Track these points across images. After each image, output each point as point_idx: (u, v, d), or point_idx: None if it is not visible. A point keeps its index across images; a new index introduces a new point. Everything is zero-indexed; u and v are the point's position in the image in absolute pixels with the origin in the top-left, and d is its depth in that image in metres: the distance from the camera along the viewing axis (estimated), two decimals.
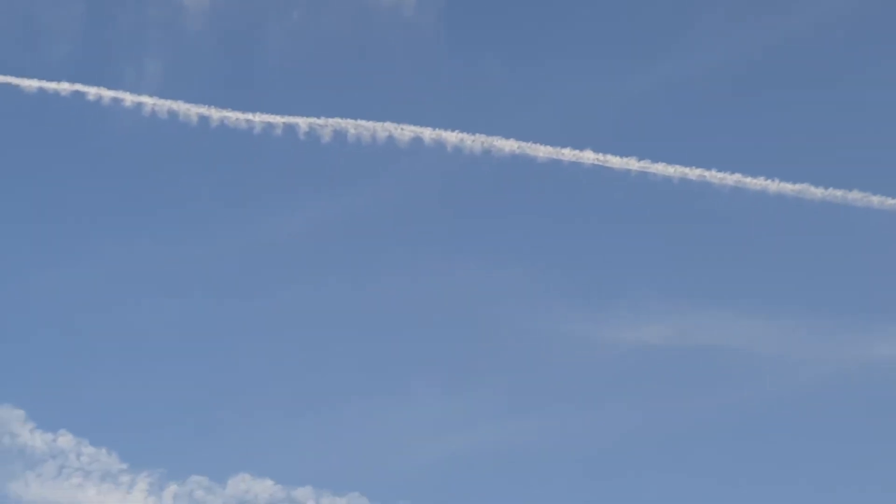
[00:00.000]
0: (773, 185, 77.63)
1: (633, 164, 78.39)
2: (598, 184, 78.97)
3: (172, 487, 72.00)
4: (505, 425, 75.37)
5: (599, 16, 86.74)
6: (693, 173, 78.23)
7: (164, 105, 79.25)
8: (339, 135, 79.02)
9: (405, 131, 79.08)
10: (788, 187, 77.63)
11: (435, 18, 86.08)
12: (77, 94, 79.39)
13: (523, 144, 78.99)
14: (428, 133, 79.01)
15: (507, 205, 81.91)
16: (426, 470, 74.15)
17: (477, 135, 78.87)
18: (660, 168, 78.47)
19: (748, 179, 77.56)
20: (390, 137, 79.13)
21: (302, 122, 79.03)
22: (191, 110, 79.15)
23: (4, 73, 79.30)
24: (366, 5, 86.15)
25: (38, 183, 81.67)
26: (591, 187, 79.54)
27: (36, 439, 72.41)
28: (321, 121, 79.06)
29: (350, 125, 79.19)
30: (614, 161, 78.51)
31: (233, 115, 79.18)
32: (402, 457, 74.72)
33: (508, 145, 79.02)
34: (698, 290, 78.80)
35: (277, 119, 79.17)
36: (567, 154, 78.84)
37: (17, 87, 79.50)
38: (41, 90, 79.40)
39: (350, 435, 75.24)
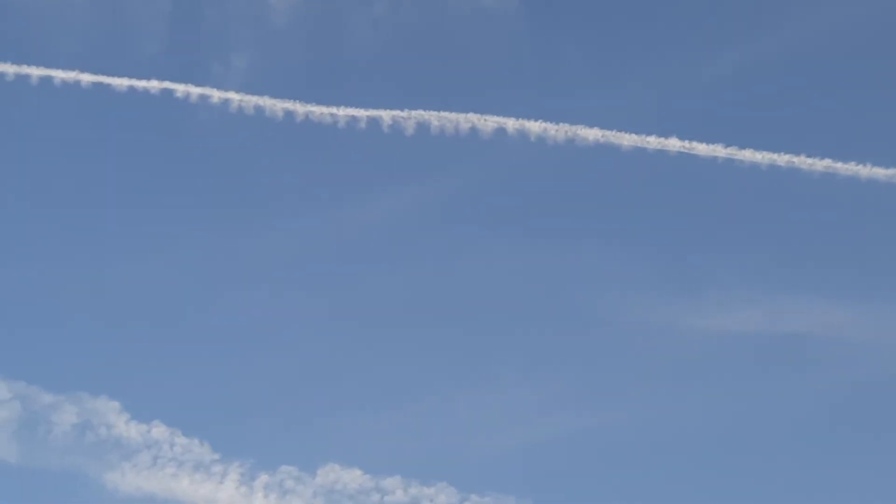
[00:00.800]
0: (865, 171, 75.22)
1: (719, 150, 76.40)
2: (683, 171, 77.30)
3: (263, 477, 71.73)
4: (591, 413, 74.34)
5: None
6: (781, 159, 76.04)
7: (251, 101, 78.94)
8: (423, 127, 78.29)
9: (488, 122, 77.89)
10: (881, 172, 75.15)
11: (515, 7, 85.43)
12: (166, 91, 79.20)
13: (607, 133, 77.50)
14: (511, 123, 77.82)
15: (592, 194, 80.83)
16: (513, 458, 73.52)
17: (560, 124, 77.74)
18: (747, 155, 76.39)
19: (838, 165, 75.16)
20: (473, 128, 78.10)
21: (385, 115, 78.35)
22: (276, 105, 78.78)
23: (95, 73, 79.03)
24: None
25: (129, 179, 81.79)
26: (677, 175, 77.90)
27: (131, 430, 72.47)
28: (404, 113, 78.28)
29: (433, 117, 78.22)
30: (700, 148, 76.59)
31: (318, 110, 78.71)
32: (489, 445, 74.08)
33: (592, 134, 77.55)
34: (787, 277, 76.96)
35: (361, 112, 78.58)
36: (652, 142, 77.10)
37: (108, 85, 79.38)
38: (131, 88, 79.32)
39: (437, 424, 74.67)
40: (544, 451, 73.19)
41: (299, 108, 78.43)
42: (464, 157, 79.27)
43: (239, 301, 77.64)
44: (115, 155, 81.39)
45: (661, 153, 77.01)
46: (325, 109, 78.37)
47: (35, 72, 78.84)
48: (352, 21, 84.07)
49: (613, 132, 77.25)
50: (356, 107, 78.36)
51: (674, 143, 76.86)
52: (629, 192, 79.72)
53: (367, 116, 78.21)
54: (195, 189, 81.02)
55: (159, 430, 72.43)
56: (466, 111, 77.77)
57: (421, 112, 78.04)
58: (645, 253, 78.68)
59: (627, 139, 77.20)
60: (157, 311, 77.17)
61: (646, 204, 79.74)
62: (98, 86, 79.12)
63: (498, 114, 77.56)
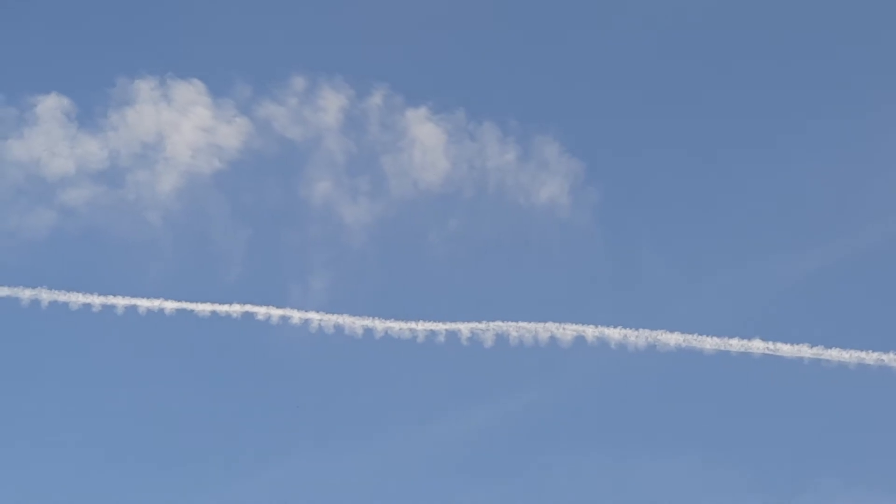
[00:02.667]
0: None
1: (805, 351, 71.85)
2: (769, 373, 72.75)
3: None
4: None
5: (756, 196, 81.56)
6: (870, 357, 71.04)
7: (330, 320, 76.89)
8: (502, 338, 75.83)
9: (567, 331, 74.52)
10: None
11: (590, 216, 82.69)
12: (247, 314, 77.14)
13: (689, 337, 73.65)
14: (590, 331, 74.42)
15: (676, 398, 76.71)
16: None
17: (640, 330, 74.44)
18: (834, 354, 71.62)
19: None
20: (552, 338, 74.88)
21: (464, 328, 75.97)
22: (356, 323, 76.69)
23: (179, 300, 76.68)
24: (521, 208, 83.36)
25: (215, 403, 78.50)
26: (763, 377, 73.38)
27: None
28: (483, 325, 75.57)
29: (512, 328, 75.11)
30: (785, 349, 72.22)
31: (396, 325, 76.63)
32: None
33: (673, 339, 73.91)
34: (883, 480, 70.88)
35: (440, 326, 76.23)
36: (735, 344, 72.97)
37: (191, 311, 76.91)
38: (214, 313, 76.79)
39: None
40: None
41: (378, 324, 76.45)
42: (544, 366, 76.31)
43: None
44: (200, 379, 78.85)
45: (745, 356, 73.12)
46: (403, 325, 76.35)
47: (121, 301, 76.94)
48: (427, 236, 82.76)
49: (695, 336, 73.87)
50: (434, 321, 76.21)
51: (757, 345, 72.78)
52: (714, 397, 75.64)
53: (446, 330, 75.99)
54: (279, 410, 77.88)
55: None
56: (545, 320, 75.21)
57: (499, 323, 75.61)
58: (735, 459, 73.90)
59: (709, 343, 73.63)
60: None
61: (732, 409, 75.71)
62: (182, 312, 77.30)
63: (577, 322, 75.01)
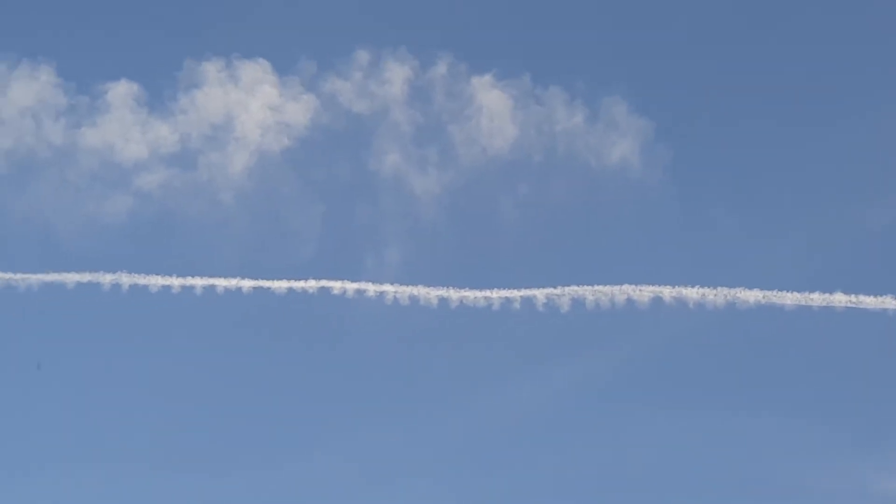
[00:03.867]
0: None
1: (889, 302, 68.70)
2: (852, 326, 69.73)
3: None
4: None
5: (832, 148, 78.46)
6: None
7: (405, 291, 75.09)
8: (578, 302, 73.69)
9: (644, 292, 72.08)
10: None
11: (661, 175, 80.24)
12: (323, 289, 75.61)
13: (768, 293, 70.74)
14: (667, 292, 71.96)
15: (757, 356, 74.11)
16: None
17: (718, 288, 71.75)
18: None
19: None
20: (629, 300, 72.56)
21: (539, 294, 73.83)
22: (430, 294, 74.83)
23: (256, 277, 75.34)
24: (591, 171, 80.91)
25: (295, 377, 77.12)
26: (846, 331, 70.40)
27: None
28: (558, 290, 73.44)
29: (587, 291, 72.84)
30: (868, 301, 68.90)
31: (471, 294, 74.78)
32: None
33: (752, 296, 71.07)
34: None
35: (515, 293, 74.17)
36: (816, 299, 69.94)
37: (268, 289, 75.38)
38: (290, 290, 75.27)
39: None
40: None
41: (453, 294, 74.50)
42: (622, 329, 73.96)
43: (412, 489, 72.21)
44: (281, 354, 77.38)
45: (827, 310, 70.12)
46: (478, 293, 74.37)
47: (199, 282, 75.68)
48: (498, 203, 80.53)
49: (775, 292, 70.85)
50: (509, 288, 74.11)
51: (839, 299, 69.65)
52: (797, 353, 72.88)
53: (521, 297, 73.86)
54: (359, 382, 76.31)
55: None
56: (621, 283, 72.70)
57: (575, 288, 73.31)
58: (822, 415, 71.38)
59: (790, 298, 70.66)
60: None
61: (815, 364, 73.17)
62: (259, 290, 75.79)
63: (653, 283, 72.38)
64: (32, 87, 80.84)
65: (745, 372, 73.14)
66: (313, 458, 72.94)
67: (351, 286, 75.38)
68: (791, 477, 69.57)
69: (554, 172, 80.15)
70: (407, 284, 74.71)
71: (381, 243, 78.80)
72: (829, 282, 70.16)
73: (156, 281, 75.60)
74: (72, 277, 75.39)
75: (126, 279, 75.55)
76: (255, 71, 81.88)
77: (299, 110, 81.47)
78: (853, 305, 69.29)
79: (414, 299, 74.52)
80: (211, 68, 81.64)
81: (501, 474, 71.86)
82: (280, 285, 75.86)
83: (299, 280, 75.72)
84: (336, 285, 75.52)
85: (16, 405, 74.65)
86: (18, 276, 75.22)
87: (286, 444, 73.92)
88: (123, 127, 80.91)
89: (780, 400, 72.04)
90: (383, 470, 72.33)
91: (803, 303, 70.34)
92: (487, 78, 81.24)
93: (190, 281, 75.86)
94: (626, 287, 72.27)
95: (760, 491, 69.42)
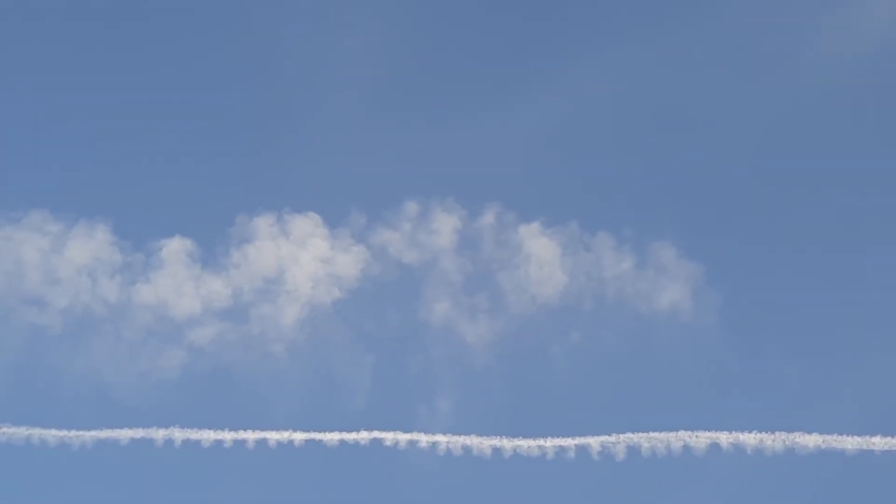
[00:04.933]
0: None
1: None
2: None
3: None
4: None
5: (884, 289, 76.11)
6: None
7: (458, 441, 73.50)
8: (633, 450, 71.54)
9: (700, 438, 69.81)
10: None
11: (714, 319, 78.41)
12: (375, 440, 74.12)
13: (828, 437, 68.11)
14: (724, 437, 69.65)
15: (818, 502, 70.18)
16: None
17: (777, 433, 69.07)
18: None
19: None
20: (686, 446, 70.25)
21: (594, 442, 71.87)
22: (483, 443, 73.10)
23: (307, 430, 73.90)
24: (642, 317, 79.16)
25: None
26: None
27: None
28: (613, 438, 71.37)
29: (643, 439, 70.66)
30: None
31: (524, 443, 72.94)
32: None
33: (812, 440, 68.52)
34: None
35: (569, 441, 72.25)
36: (878, 442, 67.26)
37: (320, 441, 73.90)
38: (342, 441, 73.72)
39: None
40: None
41: (506, 443, 72.69)
42: (679, 477, 71.52)
43: None
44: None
45: (889, 454, 67.35)
46: (531, 442, 72.50)
47: (251, 436, 74.25)
48: (550, 350, 78.88)
49: (835, 436, 68.28)
50: (563, 436, 72.16)
51: None
52: (858, 499, 69.72)
53: (576, 445, 71.88)
54: None
55: None
56: (677, 430, 70.47)
57: (630, 435, 71.15)
58: None
59: (851, 442, 68.01)
60: None
61: None
62: (311, 442, 74.23)
63: (710, 429, 69.85)
64: (89, 245, 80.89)
65: None
66: None
67: (403, 437, 73.67)
68: None
69: (604, 319, 78.63)
70: (459, 434, 73.08)
71: (432, 392, 77.30)
72: (890, 425, 67.87)
73: (208, 435, 74.38)
74: (125, 434, 74.36)
75: (178, 434, 74.40)
76: (306, 224, 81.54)
77: (350, 262, 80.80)
78: None
79: (467, 449, 72.76)
80: (262, 223, 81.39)
81: None
82: (332, 437, 74.32)
83: (351, 432, 74.28)
84: (388, 436, 73.85)
85: None
86: (73, 433, 74.30)
87: None
88: (177, 282, 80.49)
89: None
90: None
91: (864, 447, 67.76)
92: (535, 226, 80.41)
93: (242, 434, 74.63)
94: (682, 434, 70.12)
95: None
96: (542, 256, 79.97)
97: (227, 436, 74.50)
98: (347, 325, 79.55)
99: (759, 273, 79.34)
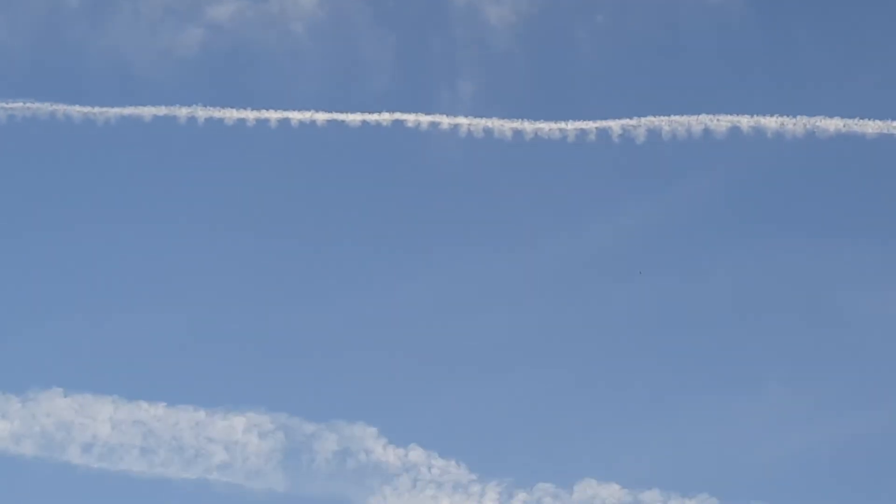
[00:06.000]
0: None
1: None
2: None
3: (521, 495, 65.67)
4: (860, 418, 64.37)
5: None
6: None
7: (479, 123, 72.93)
8: (654, 133, 71.05)
9: (721, 122, 69.24)
10: None
11: (741, 2, 75.82)
12: (397, 122, 73.69)
13: (849, 122, 67.48)
14: (745, 121, 69.20)
15: (837, 185, 71.24)
16: (777, 466, 64.67)
17: (798, 117, 68.76)
18: None
19: None
20: (706, 130, 69.83)
21: (615, 125, 71.33)
22: (504, 126, 72.59)
23: (329, 110, 73.51)
24: None
25: (367, 211, 75.25)
26: None
27: (389, 455, 67.11)
28: (634, 121, 70.97)
29: (664, 122, 70.36)
30: None
31: (546, 126, 72.21)
32: (751, 454, 65.42)
33: (833, 124, 67.98)
34: None
35: (590, 125, 71.76)
36: None
37: (342, 122, 73.60)
38: (364, 122, 73.43)
39: (695, 434, 66.37)
40: (810, 459, 63.92)
41: (527, 126, 72.07)
42: (699, 160, 71.25)
43: (486, 323, 70.78)
44: (352, 188, 75.58)
45: None
46: (553, 125, 71.86)
47: (273, 115, 73.92)
48: (574, 33, 77.46)
49: (856, 120, 67.65)
50: (584, 119, 71.51)
51: None
52: (877, 183, 69.64)
53: (596, 128, 71.35)
54: (432, 215, 74.62)
55: (416, 454, 66.99)
56: (698, 113, 69.87)
57: (651, 118, 70.57)
58: None
59: (871, 126, 67.44)
60: (404, 335, 70.33)
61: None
62: (333, 123, 73.93)
63: (731, 112, 69.46)
64: None
65: (826, 202, 70.75)
66: (392, 288, 71.94)
67: (425, 119, 73.20)
68: (872, 306, 67.64)
69: (631, 1, 77.05)
70: (481, 117, 72.49)
71: (454, 75, 76.36)
72: None
73: (231, 114, 74.06)
74: (149, 111, 73.96)
75: (202, 112, 74.04)
76: None
77: None
78: None
79: (488, 131, 72.25)
80: None
81: (574, 309, 70.46)
82: (354, 118, 73.90)
83: (373, 113, 73.81)
84: (410, 118, 73.43)
85: (99, 236, 74.00)
86: (97, 109, 73.96)
87: (358, 277, 72.94)
88: None
89: (861, 229, 69.65)
90: (455, 303, 70.96)
91: (885, 131, 67.35)
92: None
93: (265, 114, 74.24)
94: (703, 117, 69.47)
95: (839, 320, 67.68)
96: None
97: (250, 115, 74.05)
98: (368, 2, 78.27)
99: None
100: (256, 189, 74.97)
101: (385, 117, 73.64)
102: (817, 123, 68.26)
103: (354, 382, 69.03)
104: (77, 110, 73.86)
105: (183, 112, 74.00)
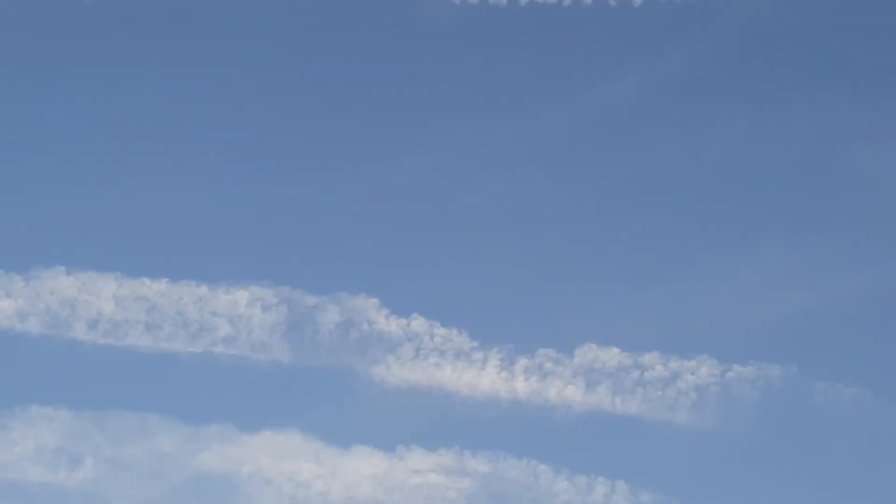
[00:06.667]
0: None
1: None
2: None
3: (522, 361, 66.14)
4: (858, 275, 63.79)
5: None
6: None
7: None
8: None
9: None
10: None
11: None
12: None
13: None
14: None
15: (837, 40, 69.06)
16: (776, 326, 64.74)
17: None
18: None
19: None
20: None
21: None
22: None
23: None
24: None
25: (358, 83, 73.46)
26: None
27: (391, 325, 67.23)
28: None
29: None
30: None
31: None
32: (750, 314, 65.20)
33: None
34: None
35: None
36: None
37: None
38: None
39: (694, 297, 66.20)
40: (809, 318, 63.57)
41: None
42: (697, 20, 69.52)
43: (485, 192, 70.34)
44: (350, 52, 73.67)
45: None
46: None
47: None
48: None
49: None
50: None
51: None
52: (879, 37, 67.92)
53: None
54: (426, 82, 73.09)
55: (418, 323, 67.26)
56: None
57: None
58: None
59: None
60: (405, 208, 69.73)
61: None
62: None
63: None
64: None
65: (824, 58, 69.15)
66: (391, 161, 71.05)
67: None
68: (873, 162, 66.71)
69: None
70: None
71: None
72: None
73: None
74: None
75: None
76: None
77: None
78: None
79: None
80: None
81: (573, 175, 69.82)
82: None
83: None
84: None
85: (98, 110, 72.87)
86: None
87: (365, 147, 71.87)
88: None
89: (862, 84, 68.33)
90: (453, 172, 69.87)
91: None
92: None
93: None
94: None
95: (839, 177, 66.95)
96: None
97: None
98: None
99: None
100: (247, 62, 73.47)
101: None
102: None
103: (355, 255, 68.90)
104: None
105: None
